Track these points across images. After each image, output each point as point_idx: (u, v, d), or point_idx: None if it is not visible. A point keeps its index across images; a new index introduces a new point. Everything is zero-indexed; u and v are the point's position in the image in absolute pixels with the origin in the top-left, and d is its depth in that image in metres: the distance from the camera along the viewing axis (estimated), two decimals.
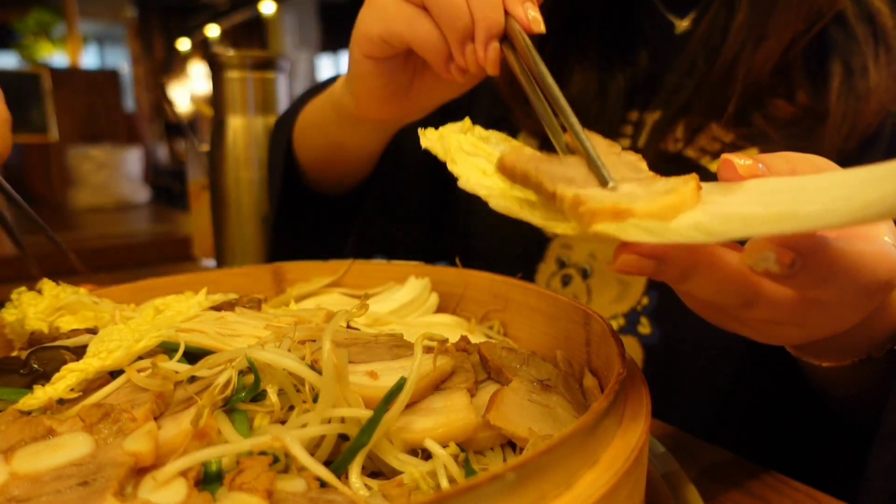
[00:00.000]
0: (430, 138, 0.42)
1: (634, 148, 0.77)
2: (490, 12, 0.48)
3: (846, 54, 0.64)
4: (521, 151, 0.39)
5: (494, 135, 0.45)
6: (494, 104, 0.88)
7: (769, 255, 0.29)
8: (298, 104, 0.87)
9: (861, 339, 0.48)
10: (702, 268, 0.33)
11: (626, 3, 0.80)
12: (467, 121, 0.44)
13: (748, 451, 0.58)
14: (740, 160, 0.35)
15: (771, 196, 0.32)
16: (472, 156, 0.41)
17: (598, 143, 0.40)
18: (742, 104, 0.68)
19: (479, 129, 0.45)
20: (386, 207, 0.90)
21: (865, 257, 0.32)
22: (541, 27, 0.50)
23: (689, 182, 0.33)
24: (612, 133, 0.79)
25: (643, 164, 0.39)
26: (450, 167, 0.39)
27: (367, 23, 0.55)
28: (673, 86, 0.74)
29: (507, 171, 0.38)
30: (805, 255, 0.29)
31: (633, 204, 0.31)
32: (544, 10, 0.58)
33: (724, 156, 0.35)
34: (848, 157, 0.64)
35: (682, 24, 0.76)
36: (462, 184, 0.37)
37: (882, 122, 0.63)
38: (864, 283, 0.33)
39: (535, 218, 0.36)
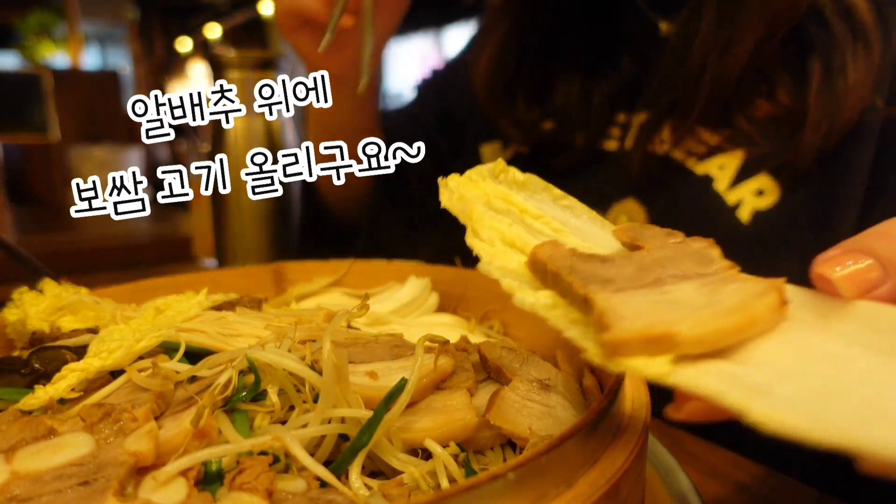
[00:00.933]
0: (449, 196, 0.36)
1: (622, 150, 0.78)
2: None
3: (825, 52, 0.65)
4: (558, 245, 0.32)
5: (532, 180, 0.38)
6: (484, 124, 0.90)
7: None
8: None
9: None
10: None
11: (611, 5, 0.81)
12: (500, 162, 0.38)
13: (754, 454, 0.57)
14: (836, 269, 0.27)
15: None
16: (502, 213, 0.35)
17: (654, 233, 0.33)
18: (715, 107, 0.68)
19: (514, 172, 0.37)
20: (401, 215, 0.94)
21: None
22: None
23: (768, 294, 0.25)
24: (599, 136, 0.80)
25: (715, 252, 0.31)
26: (468, 241, 0.33)
27: (276, 13, 0.74)
28: (657, 88, 0.74)
29: (537, 267, 0.31)
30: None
31: (678, 325, 0.24)
32: (528, 15, 0.59)
33: (817, 267, 0.27)
34: (827, 155, 0.64)
35: (667, 26, 0.77)
36: (482, 268, 0.32)
37: (861, 118, 0.63)
38: None
39: (566, 327, 0.28)
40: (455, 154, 0.95)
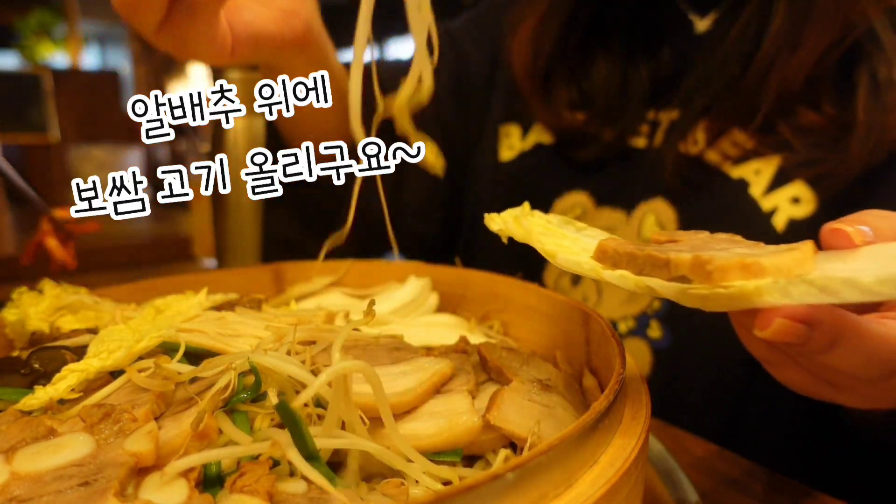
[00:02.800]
0: (500, 222, 0.42)
1: (650, 148, 0.76)
2: None
3: (873, 65, 0.64)
4: (620, 238, 0.38)
5: (556, 217, 0.44)
6: (511, 98, 0.87)
7: None
8: None
9: None
10: (848, 337, 0.31)
11: None
12: (526, 205, 0.44)
13: (759, 456, 0.57)
14: (849, 227, 0.33)
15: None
16: (547, 236, 0.41)
17: (685, 232, 0.38)
18: (770, 112, 0.67)
19: (538, 214, 0.44)
20: (396, 200, 0.90)
21: None
22: None
23: (806, 244, 0.31)
24: (630, 130, 0.78)
25: (739, 237, 0.36)
26: (537, 247, 0.39)
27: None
28: (693, 86, 0.73)
29: (608, 254, 0.36)
30: None
31: (760, 259, 0.30)
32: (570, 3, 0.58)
33: (831, 225, 0.33)
34: (874, 171, 0.63)
35: (702, 24, 0.75)
36: (559, 262, 0.37)
37: None
38: None
39: (651, 288, 0.33)
40: (475, 139, 0.91)
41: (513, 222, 0.41)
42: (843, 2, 0.63)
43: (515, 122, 0.88)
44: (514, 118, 0.88)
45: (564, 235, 0.41)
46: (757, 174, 0.68)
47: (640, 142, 0.78)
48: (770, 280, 0.29)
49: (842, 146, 0.63)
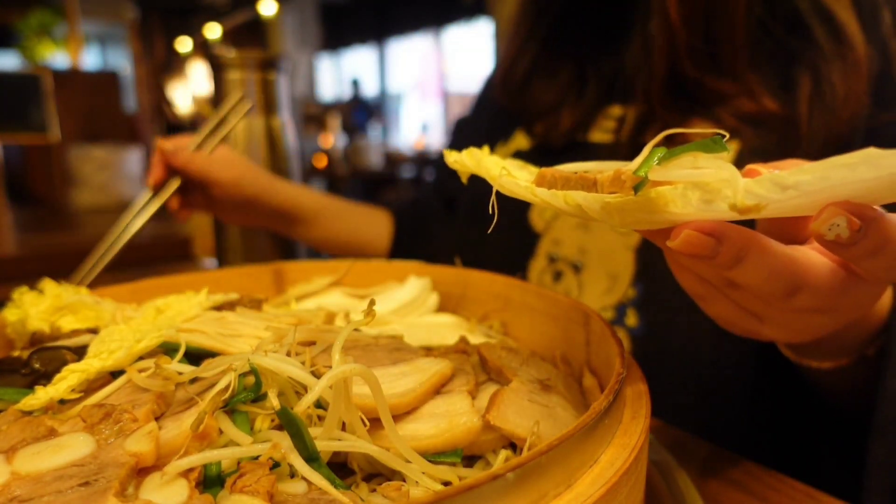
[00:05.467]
0: (456, 156, 0.45)
1: (617, 142, 0.78)
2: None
3: (813, 63, 0.65)
4: (558, 168, 0.41)
5: (511, 161, 0.47)
6: (498, 124, 0.93)
7: (841, 221, 0.30)
8: None
9: (854, 335, 0.50)
10: (753, 252, 0.33)
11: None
12: (486, 149, 0.47)
13: (732, 441, 0.58)
14: (764, 168, 0.35)
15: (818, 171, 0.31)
16: (496, 167, 0.44)
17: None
18: (660, 105, 0.71)
19: (496, 156, 0.47)
20: (421, 242, 1.01)
21: None
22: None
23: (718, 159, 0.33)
24: (595, 127, 0.82)
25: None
26: (483, 173, 0.42)
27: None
28: (643, 81, 0.75)
29: (546, 179, 0.39)
30: (868, 223, 0.30)
31: (669, 169, 0.32)
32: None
33: (749, 166, 0.36)
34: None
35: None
36: (501, 182, 0.40)
37: (857, 124, 0.63)
38: None
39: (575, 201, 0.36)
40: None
41: (467, 156, 0.44)
42: None
43: (503, 137, 0.93)
44: (503, 134, 0.93)
45: (514, 169, 0.44)
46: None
47: (607, 137, 0.80)
48: (672, 187, 0.31)
49: (791, 139, 0.64)
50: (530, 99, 0.86)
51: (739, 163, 0.68)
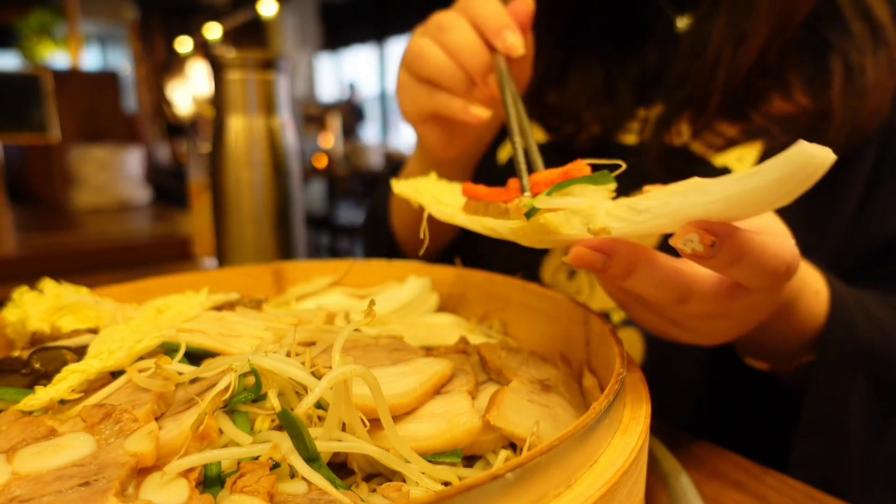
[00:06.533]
0: (402, 187, 0.52)
1: (642, 142, 0.78)
2: (472, 59, 0.60)
3: (845, 52, 0.65)
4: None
5: (442, 186, 0.53)
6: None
7: (694, 237, 0.34)
8: (384, 189, 0.98)
9: (778, 340, 0.55)
10: (642, 264, 0.37)
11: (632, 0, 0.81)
12: (433, 175, 0.54)
13: (744, 443, 0.59)
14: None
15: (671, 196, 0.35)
16: (429, 193, 0.51)
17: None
18: (728, 101, 0.69)
19: (436, 178, 0.54)
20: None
21: (768, 243, 0.36)
22: (519, 50, 0.59)
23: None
24: (618, 126, 0.80)
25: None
26: (420, 200, 0.49)
27: (403, 106, 0.68)
28: (673, 82, 0.74)
29: (471, 206, 0.46)
30: (721, 238, 0.34)
31: (552, 199, 0.37)
32: (551, 3, 0.59)
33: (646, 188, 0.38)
34: (846, 159, 0.64)
35: (683, 21, 0.77)
36: (431, 211, 0.47)
37: (874, 127, 0.64)
38: (771, 264, 0.36)
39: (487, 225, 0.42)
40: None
41: (405, 184, 0.51)
42: None
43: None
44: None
45: (448, 192, 0.50)
46: (739, 161, 0.69)
47: (630, 138, 0.79)
48: (556, 213, 0.36)
49: (819, 135, 0.64)
50: (554, 102, 0.85)
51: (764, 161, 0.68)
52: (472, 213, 0.45)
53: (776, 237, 0.37)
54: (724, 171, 0.69)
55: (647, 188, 0.39)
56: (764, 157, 0.67)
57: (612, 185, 0.37)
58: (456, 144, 0.73)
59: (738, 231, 0.34)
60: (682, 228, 0.34)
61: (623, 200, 0.35)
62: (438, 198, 0.49)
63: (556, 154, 0.86)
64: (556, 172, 0.40)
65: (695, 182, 0.33)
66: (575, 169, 0.39)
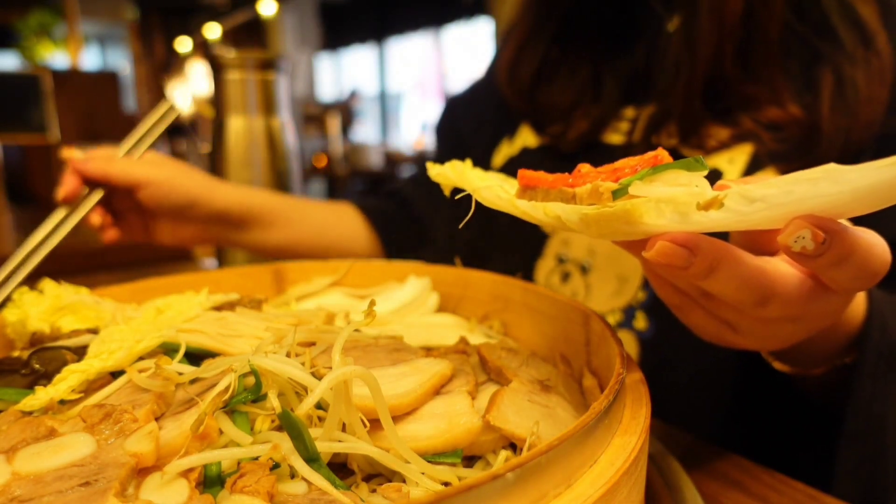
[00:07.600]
0: (438, 168, 0.47)
1: (629, 143, 0.78)
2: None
3: (837, 65, 0.65)
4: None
5: (494, 174, 0.48)
6: (502, 119, 0.92)
7: (806, 233, 0.31)
8: None
9: (818, 343, 0.52)
10: (726, 263, 0.34)
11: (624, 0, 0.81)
12: (468, 162, 0.48)
13: (741, 445, 0.59)
14: (733, 182, 0.36)
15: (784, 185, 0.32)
16: (478, 180, 0.45)
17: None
18: (692, 107, 0.70)
19: (478, 169, 0.49)
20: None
21: (874, 242, 0.34)
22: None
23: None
24: (605, 122, 0.81)
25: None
26: (466, 185, 0.43)
27: None
28: (662, 83, 0.74)
29: (526, 192, 0.40)
30: (832, 235, 0.31)
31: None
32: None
33: (720, 182, 0.36)
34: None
35: (673, 21, 0.77)
36: (482, 195, 0.41)
37: (870, 137, 0.63)
38: (875, 265, 0.34)
39: (538, 214, 0.38)
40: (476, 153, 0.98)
41: (449, 169, 0.46)
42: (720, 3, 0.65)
43: (508, 133, 0.92)
44: (508, 129, 0.92)
45: (497, 183, 0.45)
46: (731, 163, 0.69)
47: (617, 138, 0.79)
48: (646, 199, 0.33)
49: (812, 144, 0.64)
50: (544, 100, 0.85)
51: (754, 166, 0.68)
52: (531, 196, 0.40)
53: (876, 236, 0.35)
54: (715, 173, 0.70)
55: (761, 174, 0.37)
56: (754, 159, 0.67)
57: (705, 172, 0.34)
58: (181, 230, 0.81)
59: (846, 229, 0.32)
60: (794, 224, 0.31)
61: (734, 188, 0.32)
62: (487, 183, 0.44)
63: (546, 157, 0.87)
64: (636, 160, 0.36)
65: (831, 168, 0.29)
66: (659, 157, 0.35)
